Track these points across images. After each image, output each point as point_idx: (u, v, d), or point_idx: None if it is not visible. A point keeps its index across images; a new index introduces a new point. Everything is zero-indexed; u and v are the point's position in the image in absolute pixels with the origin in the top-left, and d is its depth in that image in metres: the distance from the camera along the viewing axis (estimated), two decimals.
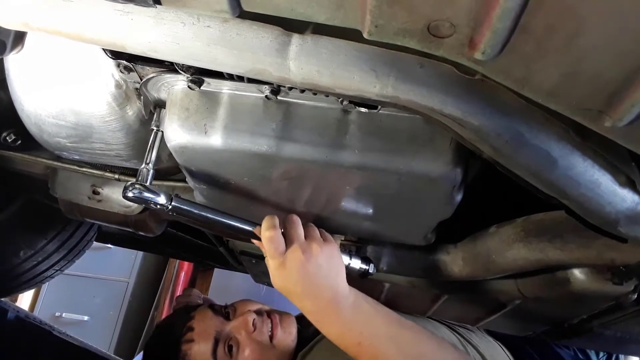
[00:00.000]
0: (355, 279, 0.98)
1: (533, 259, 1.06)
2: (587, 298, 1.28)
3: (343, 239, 1.24)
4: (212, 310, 1.27)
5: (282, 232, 0.89)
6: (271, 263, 0.89)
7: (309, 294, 0.87)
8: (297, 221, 0.91)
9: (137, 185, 0.87)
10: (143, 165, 0.91)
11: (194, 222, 1.04)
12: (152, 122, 0.92)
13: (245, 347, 1.19)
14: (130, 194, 0.87)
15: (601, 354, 1.88)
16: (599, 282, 1.18)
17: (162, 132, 0.89)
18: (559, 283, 1.21)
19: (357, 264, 1.03)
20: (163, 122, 0.89)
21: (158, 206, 0.88)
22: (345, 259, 1.00)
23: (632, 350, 1.76)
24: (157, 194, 0.88)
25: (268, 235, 0.87)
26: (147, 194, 0.87)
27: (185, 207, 0.90)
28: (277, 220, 0.89)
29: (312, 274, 0.86)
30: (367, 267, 1.03)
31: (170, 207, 0.88)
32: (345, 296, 0.89)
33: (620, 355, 1.93)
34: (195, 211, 0.91)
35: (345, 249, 1.02)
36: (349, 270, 0.98)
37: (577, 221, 0.80)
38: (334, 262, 0.90)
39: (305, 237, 0.90)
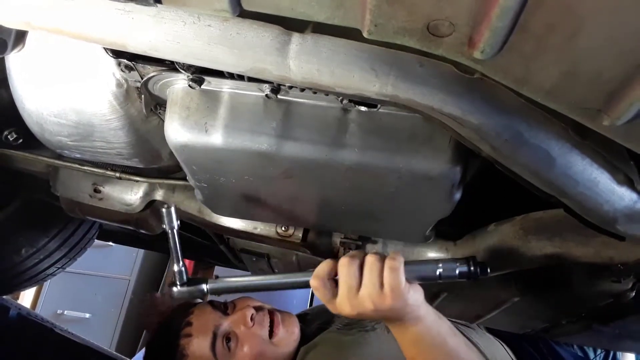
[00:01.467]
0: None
1: (532, 256, 1.06)
2: (586, 296, 1.29)
3: (343, 237, 1.24)
4: (212, 305, 1.27)
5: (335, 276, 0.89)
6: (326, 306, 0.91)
7: (371, 319, 0.91)
8: (349, 263, 0.86)
9: (180, 288, 1.00)
10: (175, 267, 1.00)
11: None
12: (166, 224, 0.98)
13: (244, 341, 1.19)
14: (178, 296, 1.00)
15: (598, 351, 1.89)
16: (597, 280, 1.18)
17: (177, 231, 0.99)
18: (558, 281, 1.22)
19: (451, 270, 0.90)
20: (172, 218, 0.98)
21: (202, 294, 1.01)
22: (429, 273, 0.90)
23: (629, 346, 1.77)
24: (198, 288, 1.00)
25: (313, 285, 0.89)
26: (191, 290, 1.00)
27: (221, 286, 1.01)
28: (325, 268, 0.88)
29: (365, 315, 0.87)
30: (465, 269, 0.89)
31: (207, 291, 1.00)
32: (412, 317, 0.88)
33: (617, 353, 1.94)
34: (233, 285, 1.02)
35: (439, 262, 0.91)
36: (444, 279, 0.90)
37: (575, 219, 0.80)
38: (393, 300, 0.84)
39: (361, 277, 0.86)
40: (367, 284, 0.84)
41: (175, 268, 0.99)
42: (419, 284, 0.90)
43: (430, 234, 1.14)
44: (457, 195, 0.91)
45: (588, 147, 0.66)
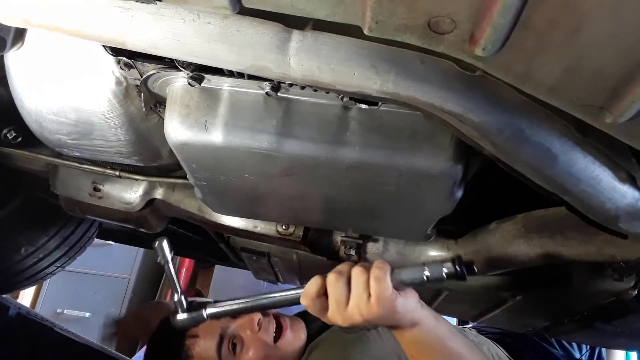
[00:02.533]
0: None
1: (534, 255, 1.06)
2: (588, 294, 1.28)
3: (344, 235, 1.24)
4: None
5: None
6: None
7: (365, 327, 0.91)
8: (335, 279, 0.88)
9: (181, 316, 1.03)
10: (176, 297, 1.03)
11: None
12: (159, 258, 1.00)
13: (250, 346, 1.20)
14: (180, 324, 1.03)
15: (584, 350, 1.89)
16: (599, 278, 1.18)
17: (171, 263, 1.02)
18: (560, 279, 1.21)
19: (437, 272, 0.89)
20: (164, 252, 1.01)
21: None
22: (416, 279, 0.90)
23: (630, 345, 1.77)
24: (199, 314, 1.02)
25: (303, 304, 0.91)
26: (192, 317, 1.02)
27: (220, 311, 1.02)
28: (314, 287, 0.89)
29: (357, 325, 0.89)
30: (452, 270, 0.89)
31: (207, 317, 1.02)
32: (406, 321, 0.90)
33: (602, 351, 1.95)
34: (230, 309, 1.03)
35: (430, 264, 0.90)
36: (432, 281, 0.90)
37: (577, 217, 0.80)
38: (380, 308, 0.86)
39: (351, 291, 0.87)
40: (354, 296, 0.86)
41: (176, 298, 1.03)
42: (414, 289, 0.91)
43: (432, 232, 1.14)
44: (459, 194, 0.90)
45: (590, 145, 0.66)
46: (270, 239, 1.29)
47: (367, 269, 0.87)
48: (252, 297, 1.02)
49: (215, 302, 1.03)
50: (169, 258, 1.01)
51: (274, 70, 0.63)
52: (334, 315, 0.89)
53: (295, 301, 0.96)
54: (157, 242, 1.00)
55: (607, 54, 0.49)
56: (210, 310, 1.02)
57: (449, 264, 0.89)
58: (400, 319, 0.89)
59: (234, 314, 1.07)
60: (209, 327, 1.22)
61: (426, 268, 0.89)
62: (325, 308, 0.90)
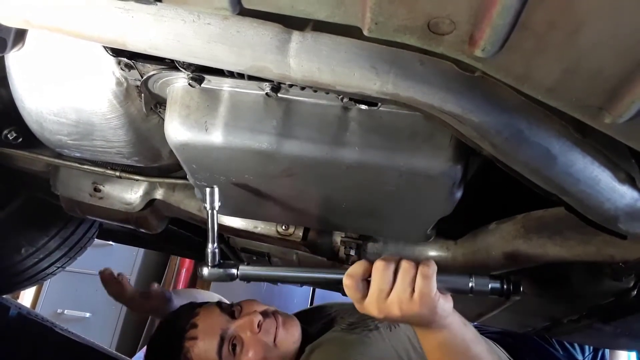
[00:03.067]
0: None
1: (533, 255, 1.06)
2: (587, 294, 1.28)
3: (344, 235, 1.24)
4: (220, 308, 1.27)
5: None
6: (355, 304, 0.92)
7: (395, 322, 0.92)
8: (383, 267, 0.86)
9: (211, 269, 0.98)
10: (210, 246, 0.98)
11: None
12: (207, 204, 0.96)
13: (250, 347, 1.19)
14: (207, 275, 0.99)
15: (587, 352, 1.89)
16: (599, 279, 1.18)
17: (216, 212, 0.98)
18: (559, 279, 1.21)
19: (483, 285, 0.89)
20: (214, 198, 0.96)
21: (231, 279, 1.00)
22: (461, 286, 0.90)
23: (630, 345, 1.77)
24: (229, 272, 0.99)
25: (345, 284, 0.89)
26: (222, 273, 0.99)
27: (253, 273, 0.99)
28: (360, 269, 0.88)
29: (391, 319, 0.88)
30: (498, 286, 0.89)
31: (238, 276, 0.99)
32: (439, 324, 0.89)
33: (605, 353, 1.94)
34: (263, 274, 1.01)
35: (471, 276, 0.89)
36: (475, 293, 0.90)
37: (577, 218, 0.80)
38: (421, 307, 0.85)
39: (395, 282, 0.86)
40: (399, 288, 0.85)
41: (210, 248, 0.98)
42: (450, 295, 0.90)
43: (431, 232, 1.14)
44: (458, 194, 0.91)
45: (589, 145, 0.66)
46: (270, 239, 1.29)
47: (416, 265, 0.86)
48: (289, 269, 1.00)
49: (248, 264, 1.01)
50: (216, 205, 0.97)
51: (274, 71, 0.64)
52: (371, 303, 0.87)
53: (335, 281, 0.94)
54: (209, 188, 0.96)
55: (606, 54, 0.49)
56: (242, 270, 0.98)
57: (497, 281, 0.88)
58: (436, 321, 0.88)
59: (266, 280, 1.04)
60: (208, 329, 1.22)
61: (473, 279, 0.88)
62: (364, 294, 0.88)
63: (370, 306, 0.87)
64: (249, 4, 0.56)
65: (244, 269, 0.98)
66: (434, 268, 0.86)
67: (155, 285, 1.73)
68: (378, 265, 0.87)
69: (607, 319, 1.37)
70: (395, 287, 0.85)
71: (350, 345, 1.23)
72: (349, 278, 0.88)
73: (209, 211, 0.96)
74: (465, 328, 0.93)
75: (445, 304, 0.87)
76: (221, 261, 0.99)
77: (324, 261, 1.30)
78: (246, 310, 1.27)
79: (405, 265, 0.86)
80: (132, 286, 1.71)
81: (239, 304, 1.31)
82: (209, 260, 0.98)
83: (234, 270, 0.98)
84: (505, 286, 0.88)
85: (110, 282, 1.67)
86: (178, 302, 1.62)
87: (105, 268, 1.69)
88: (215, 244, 0.98)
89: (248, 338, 1.20)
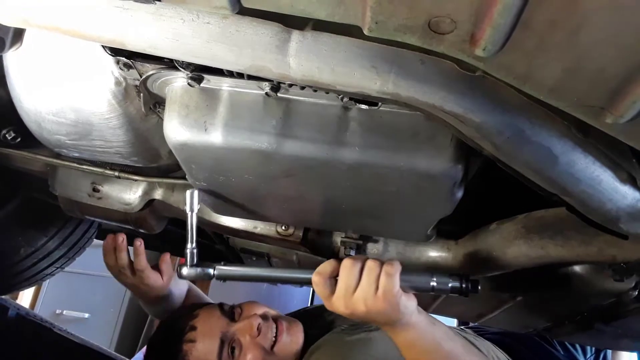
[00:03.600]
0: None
1: (534, 255, 1.06)
2: (588, 295, 1.28)
3: (344, 236, 1.24)
4: (220, 310, 1.27)
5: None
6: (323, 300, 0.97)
7: (362, 320, 0.95)
8: (350, 265, 0.91)
9: (189, 269, 1.03)
10: (188, 246, 1.03)
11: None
12: (187, 206, 1.00)
13: (247, 351, 1.19)
14: (185, 274, 1.04)
15: (589, 354, 1.89)
16: (600, 279, 1.18)
17: (195, 214, 1.01)
18: (560, 280, 1.21)
19: (444, 284, 0.94)
20: (193, 201, 1.00)
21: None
22: (423, 284, 0.95)
23: (631, 346, 1.77)
24: (206, 271, 1.04)
25: (314, 281, 0.94)
26: (199, 273, 1.03)
27: (229, 273, 1.05)
28: (328, 267, 0.93)
29: (357, 315, 0.92)
30: (457, 285, 0.94)
31: (215, 276, 1.04)
32: (404, 322, 0.93)
33: (607, 353, 1.94)
34: (238, 273, 1.06)
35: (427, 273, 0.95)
36: (436, 291, 0.95)
37: (578, 218, 0.80)
38: (385, 303, 0.89)
39: (360, 280, 0.90)
40: (364, 285, 0.89)
41: (188, 248, 1.02)
42: (414, 294, 0.94)
43: (432, 232, 1.14)
44: (459, 194, 0.90)
45: (590, 145, 0.66)
46: (270, 239, 1.28)
47: (381, 264, 0.90)
48: (264, 269, 1.05)
49: (225, 264, 1.05)
50: (195, 208, 1.00)
51: (274, 70, 0.63)
52: (339, 299, 0.91)
53: (306, 281, 0.98)
54: (189, 191, 1.00)
55: (608, 54, 0.49)
56: (219, 270, 1.03)
57: (457, 279, 0.93)
58: (400, 319, 0.91)
59: (242, 280, 1.08)
60: (207, 331, 1.22)
61: (434, 278, 0.94)
62: (332, 291, 0.92)
63: (338, 302, 0.92)
64: (248, 3, 0.55)
65: (221, 269, 1.03)
66: (397, 267, 0.90)
67: (168, 258, 1.44)
68: (345, 263, 0.91)
69: (608, 320, 1.37)
70: (360, 284, 0.89)
71: (352, 346, 1.23)
72: (318, 275, 0.93)
73: (188, 213, 1.00)
74: (434, 327, 0.96)
75: (408, 302, 0.91)
76: (199, 261, 1.04)
77: (324, 261, 1.29)
78: (246, 312, 1.27)
79: (370, 263, 0.91)
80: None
81: (240, 306, 1.31)
82: (187, 259, 1.03)
83: (211, 270, 1.03)
84: (464, 285, 0.93)
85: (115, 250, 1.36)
86: (173, 297, 1.52)
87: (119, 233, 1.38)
88: (194, 244, 1.02)
89: (247, 342, 1.20)
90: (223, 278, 1.04)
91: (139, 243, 1.35)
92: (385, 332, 0.97)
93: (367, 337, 1.25)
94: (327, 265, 0.94)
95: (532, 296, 1.38)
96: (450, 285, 0.93)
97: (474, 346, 1.05)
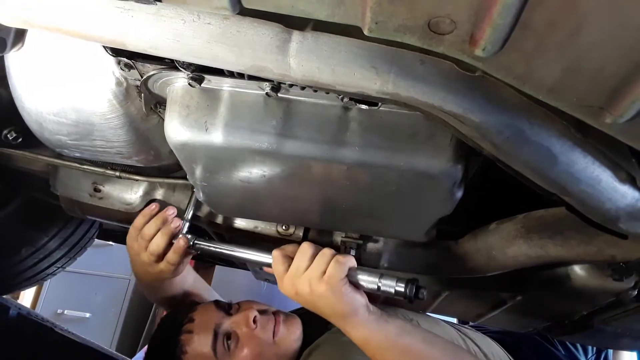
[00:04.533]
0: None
1: (534, 255, 1.06)
2: (588, 294, 1.28)
3: (344, 235, 1.24)
4: (216, 305, 1.28)
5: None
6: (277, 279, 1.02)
7: (310, 308, 1.00)
8: (306, 248, 0.97)
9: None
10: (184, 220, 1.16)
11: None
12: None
13: (244, 342, 1.18)
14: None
15: (590, 354, 1.89)
16: (600, 279, 1.18)
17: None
18: (560, 279, 1.21)
19: (389, 286, 0.97)
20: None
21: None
22: (370, 283, 0.98)
23: (631, 345, 1.77)
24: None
25: (274, 255, 1.01)
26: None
27: (205, 247, 1.14)
28: (290, 247, 1.01)
29: (302, 298, 0.98)
30: (402, 290, 0.96)
31: (192, 248, 1.14)
32: (353, 319, 0.96)
33: (609, 353, 1.94)
34: (208, 249, 1.14)
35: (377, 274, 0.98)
36: (382, 293, 0.98)
37: (577, 218, 0.80)
38: (327, 288, 0.94)
39: (311, 267, 0.96)
40: (313, 267, 0.95)
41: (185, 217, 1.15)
42: (365, 292, 0.98)
43: (432, 232, 1.14)
44: (459, 194, 0.90)
45: (590, 145, 0.66)
46: (270, 239, 1.28)
47: (334, 253, 0.96)
48: (239, 248, 1.12)
49: (205, 239, 1.14)
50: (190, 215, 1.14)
51: (274, 70, 0.64)
52: (288, 278, 0.97)
53: (264, 263, 1.06)
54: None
55: (607, 54, 0.49)
56: (198, 244, 1.13)
57: (402, 284, 0.96)
58: (348, 313, 0.95)
59: (217, 256, 1.15)
60: (203, 323, 1.22)
61: (382, 280, 0.97)
62: (286, 269, 0.98)
63: (287, 282, 0.98)
64: (249, 3, 0.56)
65: (200, 243, 1.13)
66: (348, 258, 0.96)
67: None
68: (303, 246, 0.98)
69: (607, 319, 1.37)
70: (310, 266, 0.95)
71: (347, 346, 1.23)
72: (278, 251, 1.00)
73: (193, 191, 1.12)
74: (388, 323, 0.98)
75: (354, 295, 0.95)
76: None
77: None
78: (244, 308, 1.27)
79: (325, 250, 0.97)
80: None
81: (238, 303, 1.31)
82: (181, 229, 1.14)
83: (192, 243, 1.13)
84: (408, 290, 0.96)
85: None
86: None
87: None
88: (189, 217, 1.16)
89: (244, 334, 1.19)
90: (201, 252, 1.14)
91: (185, 242, 1.13)
92: (340, 328, 1.00)
93: None
94: (290, 246, 1.01)
95: (531, 296, 1.38)
96: (395, 289, 0.96)
97: (438, 338, 1.05)
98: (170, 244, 1.13)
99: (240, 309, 1.27)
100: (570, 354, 1.85)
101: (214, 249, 1.13)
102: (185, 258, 1.19)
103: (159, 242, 1.11)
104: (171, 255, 1.13)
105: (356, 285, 0.97)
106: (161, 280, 1.26)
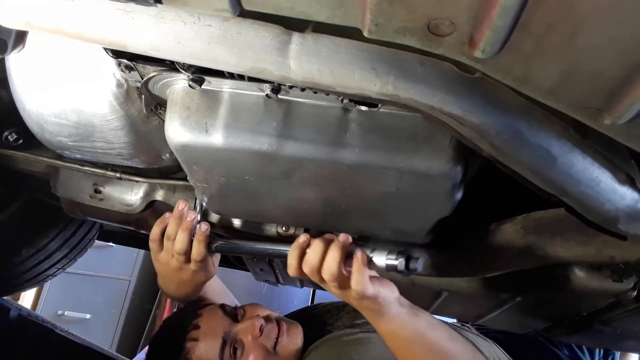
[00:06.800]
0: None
1: (533, 256, 1.06)
2: (587, 295, 1.28)
3: None
4: (223, 310, 1.27)
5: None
6: None
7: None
8: (323, 238, 0.95)
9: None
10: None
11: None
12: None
13: (250, 351, 1.19)
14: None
15: (597, 357, 1.88)
16: (599, 280, 1.18)
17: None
18: (559, 280, 1.21)
19: (381, 261, 0.95)
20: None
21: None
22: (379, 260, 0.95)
23: (631, 346, 1.76)
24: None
25: (293, 245, 0.99)
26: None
27: (226, 246, 1.15)
28: (303, 239, 0.97)
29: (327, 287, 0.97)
30: (394, 263, 0.93)
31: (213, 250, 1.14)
32: (383, 312, 0.96)
33: (616, 355, 1.93)
34: (235, 247, 1.15)
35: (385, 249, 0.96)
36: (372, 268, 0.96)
37: (577, 218, 0.80)
38: (358, 302, 0.95)
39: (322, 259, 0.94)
40: (326, 257, 0.93)
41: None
42: (393, 282, 0.97)
43: (431, 233, 1.14)
44: (458, 195, 0.91)
45: (589, 146, 0.66)
46: (270, 240, 1.28)
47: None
48: (257, 243, 1.13)
49: (222, 237, 1.14)
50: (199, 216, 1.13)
51: (274, 72, 0.64)
52: (305, 265, 0.96)
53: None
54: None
55: (606, 56, 0.50)
56: (217, 243, 1.12)
57: (394, 257, 0.93)
58: (375, 309, 0.94)
59: (238, 253, 1.18)
60: (210, 330, 1.22)
61: (373, 254, 0.95)
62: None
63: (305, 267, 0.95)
64: (249, 5, 0.56)
65: (218, 243, 1.12)
66: (362, 265, 0.91)
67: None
68: (325, 236, 0.96)
69: (607, 320, 1.37)
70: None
71: (347, 346, 1.23)
72: (298, 241, 0.97)
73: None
74: (417, 317, 0.98)
75: (385, 291, 0.94)
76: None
77: None
78: (249, 314, 1.27)
79: (342, 237, 0.95)
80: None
81: (243, 307, 1.31)
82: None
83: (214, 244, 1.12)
84: (398, 264, 0.92)
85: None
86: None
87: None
88: (199, 216, 1.13)
89: (249, 342, 1.20)
90: (220, 251, 1.14)
91: (206, 227, 1.09)
92: (369, 321, 0.99)
93: (365, 337, 1.26)
94: (304, 237, 0.98)
95: (531, 297, 1.38)
96: (386, 263, 0.93)
97: (472, 343, 1.05)
98: (191, 242, 1.10)
99: (246, 315, 1.27)
100: (573, 353, 1.84)
101: (233, 246, 1.15)
102: (210, 253, 1.15)
103: (182, 239, 1.09)
104: (196, 247, 1.09)
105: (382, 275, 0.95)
106: (197, 284, 1.23)
